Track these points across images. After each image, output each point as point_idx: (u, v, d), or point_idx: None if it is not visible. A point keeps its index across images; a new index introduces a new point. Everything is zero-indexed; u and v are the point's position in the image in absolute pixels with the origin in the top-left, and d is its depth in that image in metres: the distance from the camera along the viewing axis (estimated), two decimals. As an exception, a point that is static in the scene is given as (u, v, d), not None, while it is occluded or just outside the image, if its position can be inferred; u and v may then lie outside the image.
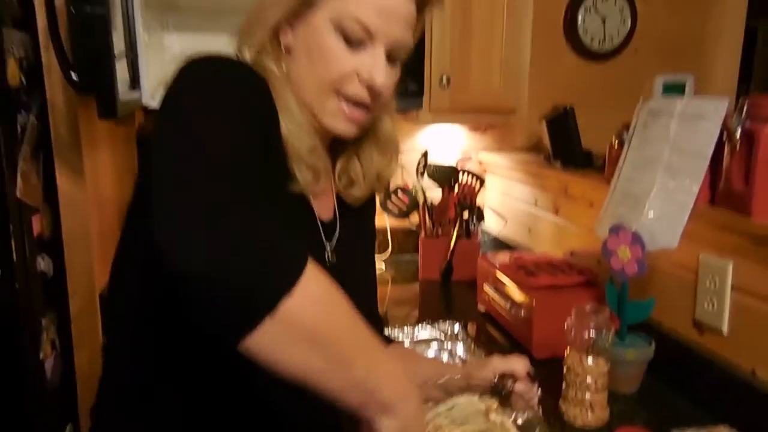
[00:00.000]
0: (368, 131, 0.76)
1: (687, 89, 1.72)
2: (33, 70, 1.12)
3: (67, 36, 0.99)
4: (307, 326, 0.48)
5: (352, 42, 0.65)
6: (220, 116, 0.54)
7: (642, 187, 0.97)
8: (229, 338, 0.46)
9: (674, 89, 1.76)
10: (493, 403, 0.68)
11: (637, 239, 0.94)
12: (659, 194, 0.94)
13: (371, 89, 0.66)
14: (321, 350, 0.49)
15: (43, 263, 1.18)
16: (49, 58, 1.11)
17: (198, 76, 0.57)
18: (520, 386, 0.77)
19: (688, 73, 1.76)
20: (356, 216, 0.80)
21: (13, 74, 1.04)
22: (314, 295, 0.48)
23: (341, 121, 0.68)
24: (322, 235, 0.74)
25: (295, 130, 0.65)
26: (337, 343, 0.50)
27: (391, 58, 0.67)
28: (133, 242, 0.65)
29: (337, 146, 0.77)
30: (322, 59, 0.65)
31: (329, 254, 0.74)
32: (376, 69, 0.65)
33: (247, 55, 0.68)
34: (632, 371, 1.00)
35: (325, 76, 0.66)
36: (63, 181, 1.19)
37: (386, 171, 0.79)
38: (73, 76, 0.93)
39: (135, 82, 1.24)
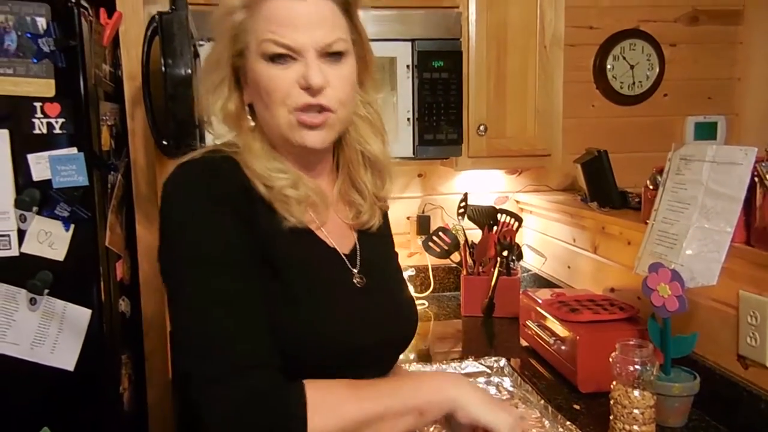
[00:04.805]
0: (354, 155, 0.80)
1: (719, 130, 1.77)
2: (120, 134, 1.28)
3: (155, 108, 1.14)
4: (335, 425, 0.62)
5: (279, 60, 0.69)
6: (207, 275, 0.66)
7: (678, 227, 1.03)
8: None
9: (706, 130, 1.82)
10: None
11: (676, 277, 1.00)
12: (696, 234, 1.00)
13: (311, 89, 0.69)
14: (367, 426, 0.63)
15: (124, 305, 1.30)
16: (134, 124, 1.27)
17: (174, 220, 0.69)
18: None
19: (718, 113, 1.82)
20: (375, 238, 0.84)
21: (106, 140, 1.20)
22: (323, 416, 0.61)
23: (304, 131, 0.71)
24: (347, 263, 0.78)
25: (268, 173, 0.71)
26: (362, 417, 0.63)
27: (332, 57, 0.71)
28: None
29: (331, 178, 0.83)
30: (265, 88, 0.70)
31: (357, 279, 0.79)
32: (309, 71, 0.68)
33: (218, 126, 0.76)
34: (679, 405, 1.03)
35: (274, 101, 0.70)
36: (142, 231, 1.32)
37: (382, 192, 0.84)
38: (164, 142, 1.07)
39: (202, 139, 1.40)
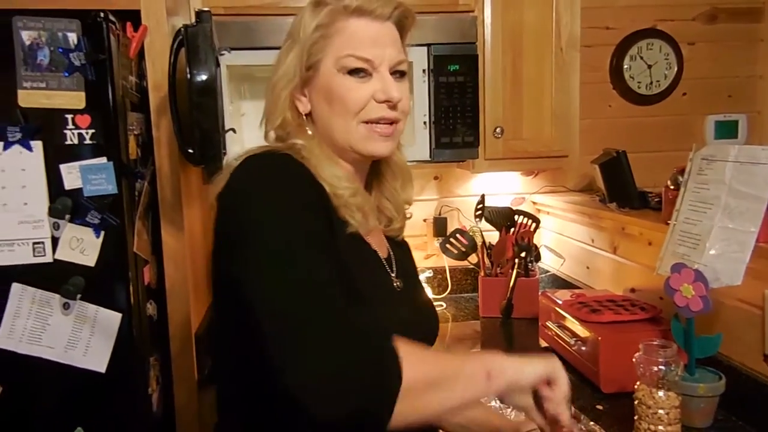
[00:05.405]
0: (383, 167, 0.86)
1: (740, 127, 1.76)
2: (146, 143, 1.31)
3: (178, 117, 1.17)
4: (421, 384, 0.62)
5: (359, 74, 0.75)
6: (292, 240, 0.65)
7: (701, 227, 1.03)
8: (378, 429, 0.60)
9: (726, 128, 1.80)
10: None
11: (699, 277, 0.99)
12: (719, 234, 1.00)
13: (390, 102, 0.76)
14: (440, 386, 0.63)
15: (151, 308, 1.34)
16: (158, 133, 1.30)
17: (254, 201, 0.67)
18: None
19: (739, 111, 1.81)
20: (399, 245, 0.91)
21: (132, 149, 1.23)
22: (413, 365, 0.62)
23: (376, 141, 0.77)
24: (387, 268, 0.84)
25: (336, 181, 0.75)
26: (442, 372, 0.64)
27: (396, 75, 0.78)
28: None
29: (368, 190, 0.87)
30: (340, 100, 0.75)
31: (396, 283, 0.84)
32: (388, 86, 0.75)
33: (273, 136, 0.80)
34: (704, 405, 1.03)
35: (349, 110, 0.75)
36: (167, 236, 1.36)
37: (407, 196, 0.89)
38: (189, 150, 1.10)
39: (224, 147, 1.43)
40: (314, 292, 0.63)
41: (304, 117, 0.80)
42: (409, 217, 0.93)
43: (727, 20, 1.88)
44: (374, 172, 0.87)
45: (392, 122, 0.77)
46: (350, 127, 0.76)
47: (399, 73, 0.78)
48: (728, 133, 1.88)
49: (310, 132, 0.79)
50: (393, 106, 0.76)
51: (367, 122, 0.76)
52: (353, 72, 0.75)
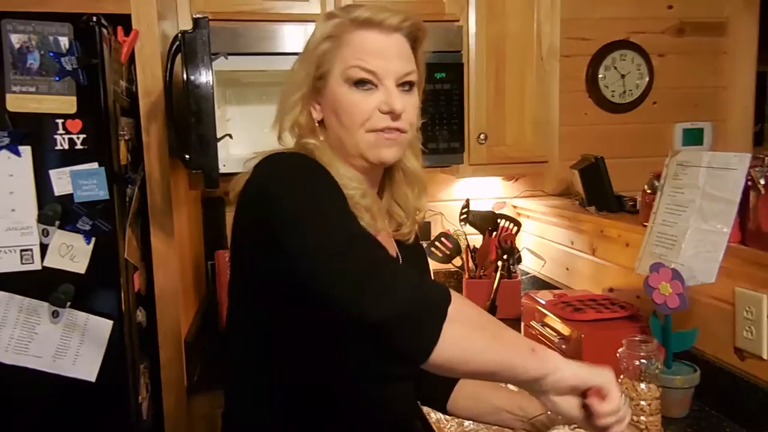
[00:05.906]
0: (396, 173, 0.89)
1: (705, 135, 1.87)
2: (136, 148, 1.30)
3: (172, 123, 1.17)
4: (466, 318, 0.63)
5: (364, 86, 0.78)
6: (324, 204, 0.70)
7: (677, 229, 1.10)
8: (419, 357, 0.60)
9: (693, 136, 1.91)
10: None
11: (676, 275, 1.06)
12: (694, 235, 1.06)
13: (393, 113, 0.78)
14: (485, 330, 0.63)
15: (140, 315, 1.33)
16: (149, 138, 1.29)
17: (286, 176, 0.72)
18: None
19: (705, 120, 1.91)
20: (411, 250, 0.94)
21: (123, 154, 1.23)
22: (459, 299, 0.63)
23: (382, 148, 0.80)
24: None
25: (347, 181, 0.78)
26: (487, 321, 0.65)
27: (404, 86, 0.80)
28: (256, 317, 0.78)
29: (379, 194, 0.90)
30: (346, 112, 0.78)
31: None
32: (392, 98, 0.77)
33: (289, 140, 0.84)
34: (681, 396, 1.09)
35: (354, 122, 0.78)
36: (157, 242, 1.35)
37: (419, 203, 0.91)
38: (186, 156, 1.10)
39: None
40: (353, 225, 0.67)
41: (317, 124, 0.83)
42: (420, 220, 0.95)
43: (694, 33, 1.99)
44: (387, 177, 0.90)
45: (397, 130, 0.80)
46: (358, 137, 0.79)
47: (407, 85, 0.80)
48: (694, 141, 1.99)
49: (321, 138, 0.83)
50: (396, 117, 0.78)
51: (371, 131, 0.79)
52: (359, 83, 0.78)
